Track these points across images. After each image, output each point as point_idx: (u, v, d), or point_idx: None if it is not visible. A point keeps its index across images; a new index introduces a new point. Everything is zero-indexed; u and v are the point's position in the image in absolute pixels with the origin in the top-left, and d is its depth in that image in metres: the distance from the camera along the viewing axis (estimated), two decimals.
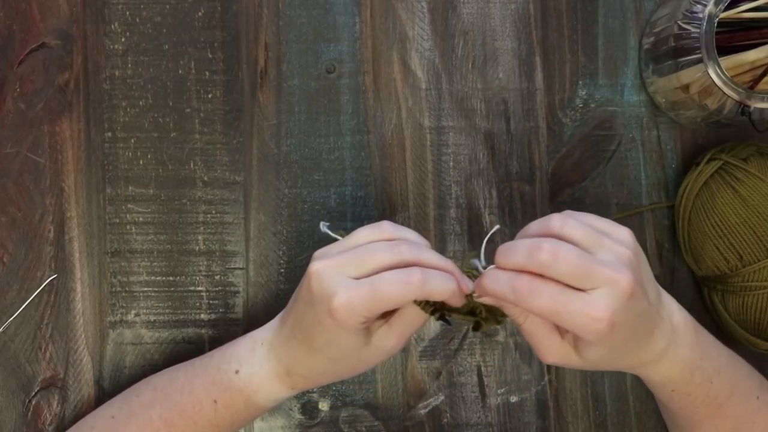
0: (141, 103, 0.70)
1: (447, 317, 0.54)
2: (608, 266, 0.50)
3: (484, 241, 0.55)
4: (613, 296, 0.49)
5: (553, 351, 0.53)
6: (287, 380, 0.57)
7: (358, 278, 0.52)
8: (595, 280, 0.50)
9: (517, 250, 0.51)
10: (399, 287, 0.51)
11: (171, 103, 0.70)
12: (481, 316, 0.55)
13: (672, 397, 0.59)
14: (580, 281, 0.50)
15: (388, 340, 0.55)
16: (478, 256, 0.55)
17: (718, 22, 0.61)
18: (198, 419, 0.59)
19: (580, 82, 0.71)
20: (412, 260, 0.52)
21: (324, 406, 0.69)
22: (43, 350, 0.68)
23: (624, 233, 0.53)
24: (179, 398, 0.60)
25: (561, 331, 0.53)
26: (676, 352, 0.55)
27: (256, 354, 0.58)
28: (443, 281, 0.52)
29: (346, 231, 0.56)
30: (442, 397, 0.69)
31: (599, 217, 0.54)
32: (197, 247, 0.69)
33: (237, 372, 0.58)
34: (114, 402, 0.64)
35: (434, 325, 0.70)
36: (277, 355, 0.57)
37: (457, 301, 0.53)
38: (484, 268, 0.53)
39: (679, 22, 0.63)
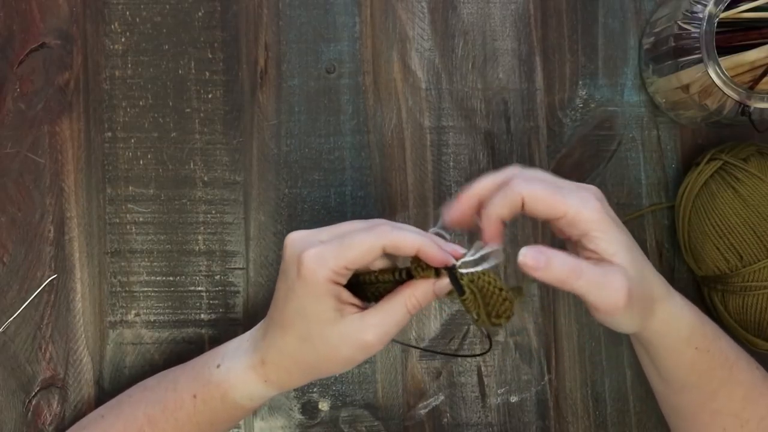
0: (141, 103, 0.70)
1: (453, 275, 0.51)
2: (574, 187, 0.54)
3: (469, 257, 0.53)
4: (594, 200, 0.52)
5: (618, 281, 0.52)
6: (261, 371, 0.56)
7: None
8: (566, 193, 0.52)
9: (483, 188, 0.54)
10: (366, 234, 0.51)
11: (171, 103, 0.70)
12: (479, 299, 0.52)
13: (695, 361, 0.57)
14: (550, 197, 0.52)
15: (364, 331, 0.52)
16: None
17: (718, 22, 0.61)
18: (179, 415, 0.59)
19: (580, 82, 0.71)
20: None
21: (324, 406, 0.69)
22: (43, 350, 0.68)
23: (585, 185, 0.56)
24: (164, 394, 0.60)
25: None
26: (677, 298, 0.57)
27: (240, 349, 0.58)
28: (412, 232, 0.51)
29: None
30: (442, 397, 0.69)
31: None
32: (197, 247, 0.69)
33: (218, 366, 0.58)
34: (107, 403, 0.64)
35: (434, 325, 0.70)
36: (256, 346, 0.57)
37: (433, 256, 0.51)
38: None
39: (679, 22, 0.63)
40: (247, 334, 0.59)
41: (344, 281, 0.52)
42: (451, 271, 0.51)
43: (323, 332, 0.52)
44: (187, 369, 0.61)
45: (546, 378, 0.70)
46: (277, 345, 0.55)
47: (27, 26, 0.69)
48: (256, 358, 0.56)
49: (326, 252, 0.51)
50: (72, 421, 0.67)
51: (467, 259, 0.51)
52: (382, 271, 0.53)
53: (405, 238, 0.51)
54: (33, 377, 0.68)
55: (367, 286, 0.54)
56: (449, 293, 0.52)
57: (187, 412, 0.58)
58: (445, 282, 0.52)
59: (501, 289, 0.52)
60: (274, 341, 0.55)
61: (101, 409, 0.64)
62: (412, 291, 0.52)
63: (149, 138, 0.69)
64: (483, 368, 0.70)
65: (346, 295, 0.53)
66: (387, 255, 0.53)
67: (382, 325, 0.52)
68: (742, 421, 0.59)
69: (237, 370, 0.57)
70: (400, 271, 0.53)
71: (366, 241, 0.51)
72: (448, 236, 0.54)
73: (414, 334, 0.69)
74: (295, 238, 0.53)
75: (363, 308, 0.54)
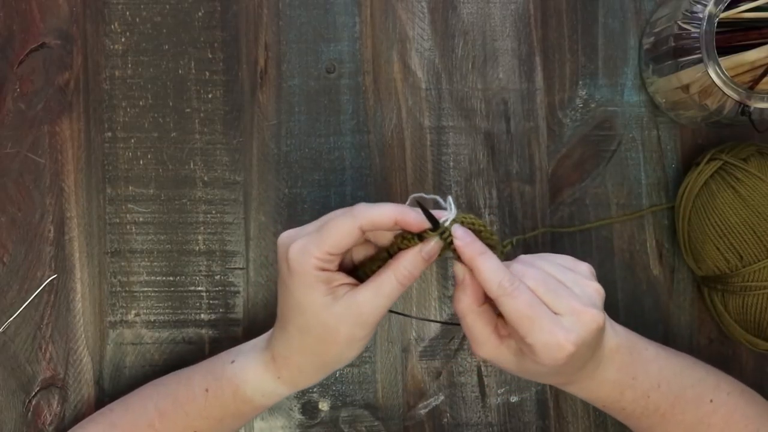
0: (141, 103, 0.70)
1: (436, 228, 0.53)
2: (579, 300, 0.52)
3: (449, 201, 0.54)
4: (583, 330, 0.51)
5: (486, 349, 0.54)
6: (273, 367, 0.57)
7: None
8: (564, 306, 0.51)
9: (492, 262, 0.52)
10: (343, 218, 0.52)
11: (171, 103, 0.70)
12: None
13: (606, 411, 0.60)
14: (551, 300, 0.51)
15: (357, 305, 0.53)
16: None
17: (718, 22, 0.61)
18: (189, 409, 0.59)
19: (580, 82, 0.71)
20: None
21: (324, 406, 0.69)
22: (43, 350, 0.68)
23: (585, 268, 0.55)
24: (176, 388, 0.61)
25: (500, 334, 0.54)
26: (603, 374, 0.56)
27: (255, 348, 0.59)
28: (386, 206, 0.52)
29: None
30: (442, 397, 0.69)
31: (557, 254, 0.55)
32: (197, 247, 0.69)
33: (232, 362, 0.59)
34: (117, 400, 0.64)
35: (434, 325, 0.70)
36: (268, 344, 0.58)
37: (412, 220, 0.52)
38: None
39: (679, 22, 0.63)
40: (265, 334, 0.60)
41: (333, 267, 0.54)
42: (437, 228, 0.53)
43: (320, 318, 0.53)
44: (201, 366, 0.62)
45: None
46: (283, 340, 0.56)
47: (27, 26, 0.69)
48: (267, 354, 0.58)
49: (308, 243, 0.53)
50: (72, 421, 0.67)
51: (451, 211, 0.53)
52: (374, 255, 0.55)
53: (380, 212, 0.52)
54: (33, 377, 0.68)
55: (361, 269, 0.56)
56: (441, 253, 0.54)
57: (197, 406, 0.59)
58: (431, 244, 0.53)
59: (484, 226, 0.54)
60: (281, 336, 0.56)
61: (110, 404, 0.64)
62: (400, 261, 0.54)
63: (149, 138, 0.69)
64: (483, 368, 0.70)
65: (339, 276, 0.54)
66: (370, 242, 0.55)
67: (374, 298, 0.53)
68: None
69: (250, 365, 0.58)
70: (388, 250, 0.54)
71: (343, 224, 0.52)
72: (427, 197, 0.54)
73: (414, 334, 0.69)
74: (284, 237, 0.55)
75: (356, 285, 0.55)
